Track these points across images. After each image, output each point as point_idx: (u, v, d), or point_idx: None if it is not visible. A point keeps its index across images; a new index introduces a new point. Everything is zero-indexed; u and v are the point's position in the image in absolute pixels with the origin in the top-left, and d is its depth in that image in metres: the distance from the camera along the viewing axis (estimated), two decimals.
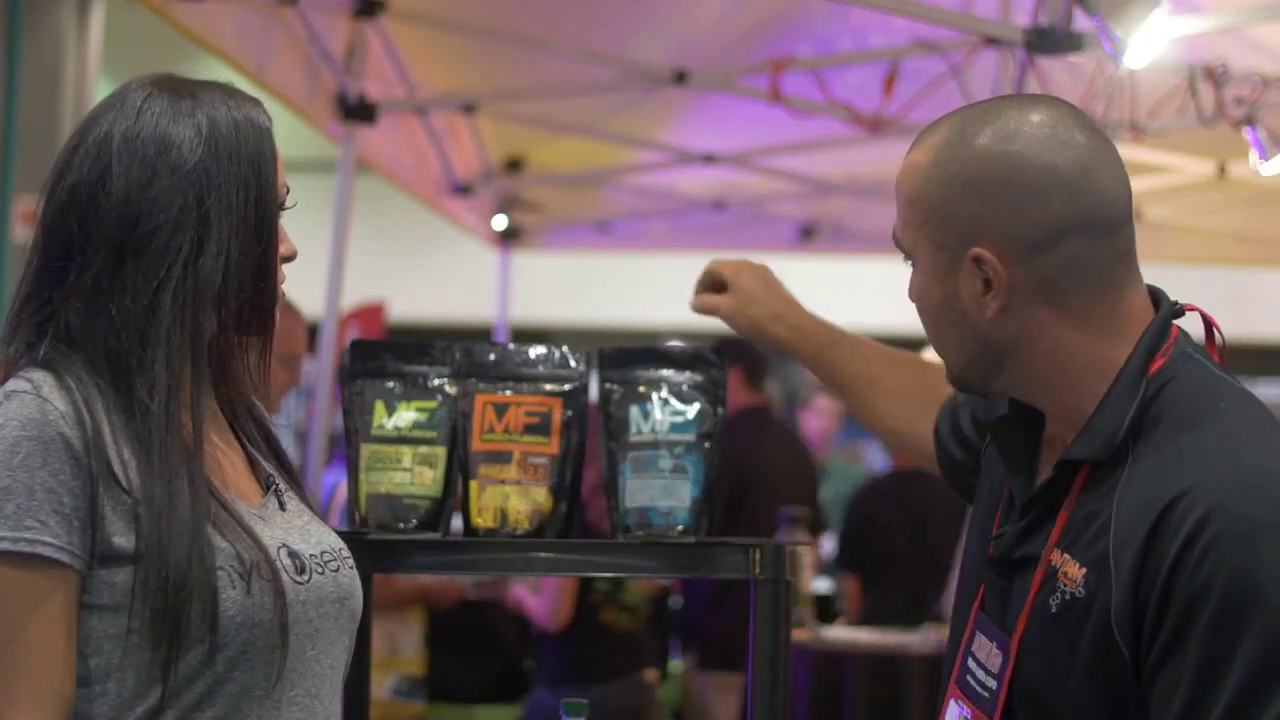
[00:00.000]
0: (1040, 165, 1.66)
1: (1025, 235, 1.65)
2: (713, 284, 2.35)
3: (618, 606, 4.72)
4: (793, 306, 2.32)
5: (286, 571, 1.69)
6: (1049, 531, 1.67)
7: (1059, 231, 1.65)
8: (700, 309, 2.35)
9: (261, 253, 1.72)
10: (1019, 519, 1.72)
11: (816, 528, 6.32)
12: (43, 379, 1.64)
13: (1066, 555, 1.63)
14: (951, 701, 1.75)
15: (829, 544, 7.87)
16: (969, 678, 1.73)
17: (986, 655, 1.70)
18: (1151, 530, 1.56)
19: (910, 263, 1.75)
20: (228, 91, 1.75)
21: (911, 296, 1.75)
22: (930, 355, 2.09)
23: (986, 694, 1.69)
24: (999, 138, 1.67)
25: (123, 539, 1.61)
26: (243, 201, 1.70)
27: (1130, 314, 1.68)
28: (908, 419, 2.20)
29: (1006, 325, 1.68)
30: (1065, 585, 1.62)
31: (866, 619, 6.23)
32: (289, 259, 1.78)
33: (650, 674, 4.87)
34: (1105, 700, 1.59)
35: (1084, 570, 1.60)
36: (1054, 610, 1.62)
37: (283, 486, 1.80)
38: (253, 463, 1.81)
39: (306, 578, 1.71)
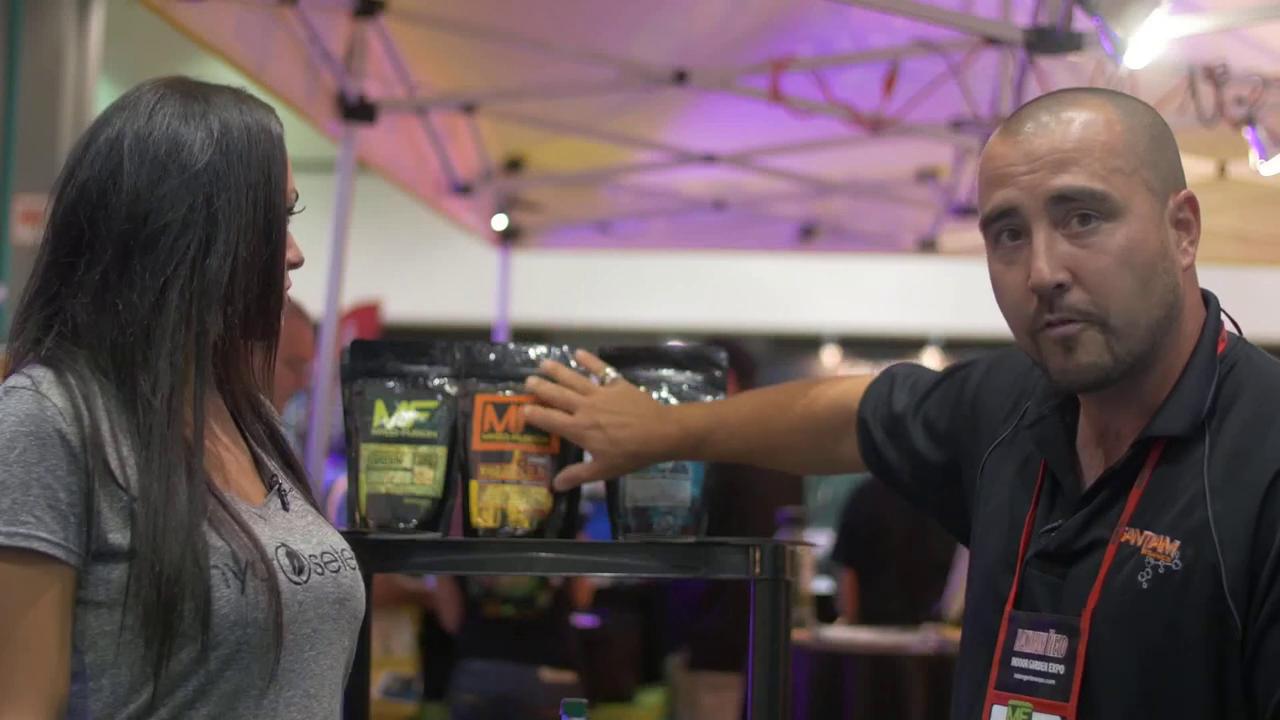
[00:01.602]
0: None
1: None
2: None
3: (497, 600, 5.11)
4: (646, 425, 2.13)
5: (284, 571, 1.69)
6: (1118, 513, 1.69)
7: None
8: (570, 484, 2.16)
9: (269, 256, 1.73)
10: (1077, 509, 1.73)
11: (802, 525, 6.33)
12: (42, 375, 1.64)
13: (1148, 532, 1.65)
14: (995, 707, 1.74)
15: (822, 543, 7.88)
16: (1018, 676, 1.72)
17: (1044, 645, 1.70)
18: (1266, 496, 1.60)
19: (1100, 219, 1.67)
20: (240, 96, 1.76)
21: (1109, 256, 1.67)
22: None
23: (1053, 681, 1.69)
24: (1146, 103, 1.75)
25: (118, 535, 1.61)
26: (251, 204, 1.71)
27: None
28: (816, 460, 2.22)
29: (1185, 281, 1.72)
30: (1156, 560, 1.64)
31: (865, 617, 6.23)
32: (295, 265, 1.79)
33: (551, 673, 5.06)
34: (1209, 669, 1.61)
35: (1176, 543, 1.63)
36: (1144, 586, 1.64)
37: (286, 486, 1.81)
38: (258, 462, 1.81)
39: (305, 578, 1.71)
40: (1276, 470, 1.61)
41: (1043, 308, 1.69)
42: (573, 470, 2.15)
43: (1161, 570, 1.63)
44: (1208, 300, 1.76)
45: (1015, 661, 1.73)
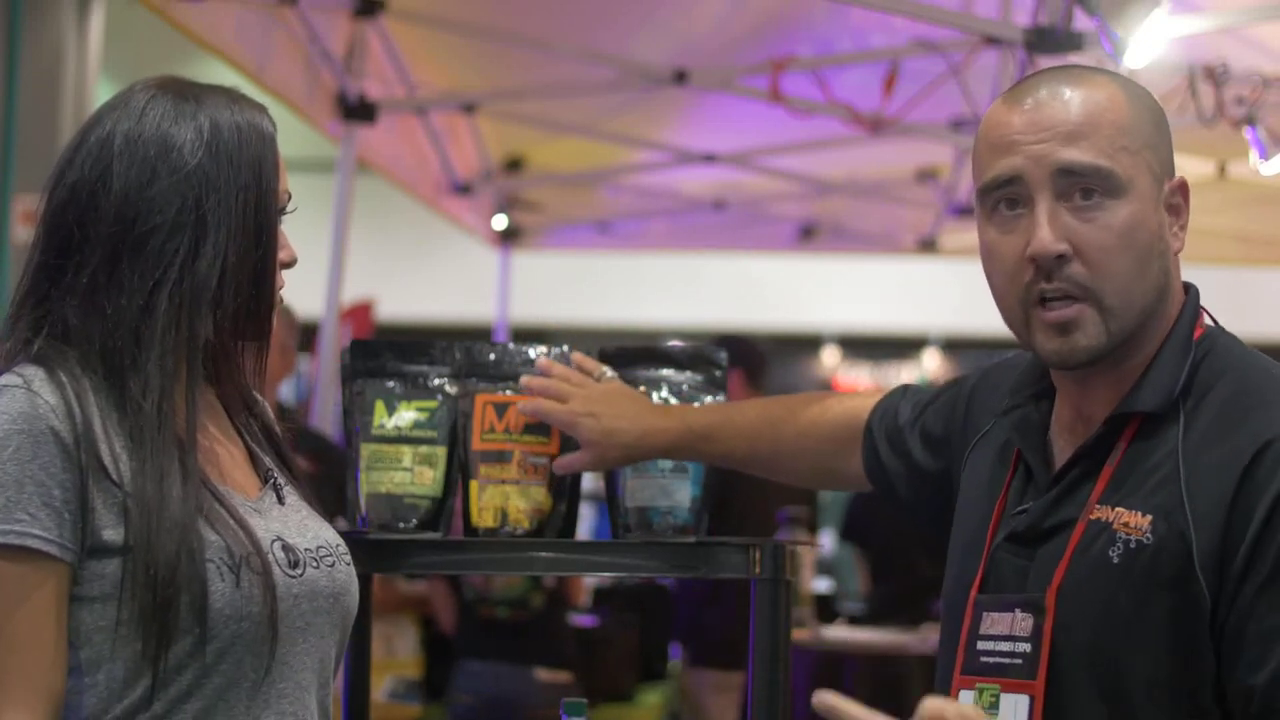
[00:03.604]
0: None
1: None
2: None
3: (490, 603, 5.20)
4: (644, 418, 2.12)
5: (279, 565, 1.69)
6: (1088, 492, 1.68)
7: None
8: (562, 470, 2.15)
9: (260, 258, 1.73)
10: (1048, 489, 1.73)
11: (814, 527, 6.32)
12: (34, 373, 1.64)
13: (1120, 509, 1.65)
14: (962, 692, 1.73)
15: (827, 543, 7.87)
16: (984, 659, 1.71)
17: (1010, 625, 1.69)
18: (1245, 474, 1.59)
19: (1104, 195, 1.67)
20: (232, 96, 1.75)
21: (1111, 233, 1.66)
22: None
23: (1020, 660, 1.68)
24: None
25: (112, 532, 1.62)
26: (241, 206, 1.71)
27: None
28: (821, 472, 2.19)
29: (1172, 266, 1.73)
30: (1127, 535, 1.63)
31: (873, 612, 6.22)
32: (289, 265, 1.78)
33: (547, 673, 5.09)
34: (1176, 642, 1.61)
35: (1148, 518, 1.63)
36: (1115, 561, 1.63)
37: (281, 481, 1.81)
38: (252, 456, 1.81)
39: (300, 571, 1.71)
40: (1255, 451, 1.60)
41: (1039, 278, 1.67)
42: (567, 458, 2.13)
43: (1133, 545, 1.63)
44: (1187, 289, 1.76)
45: (981, 645, 1.72)
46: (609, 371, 2.19)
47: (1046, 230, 1.66)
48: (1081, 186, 1.67)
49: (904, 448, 2.04)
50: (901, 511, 2.10)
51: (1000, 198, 1.70)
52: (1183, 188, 1.73)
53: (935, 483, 1.99)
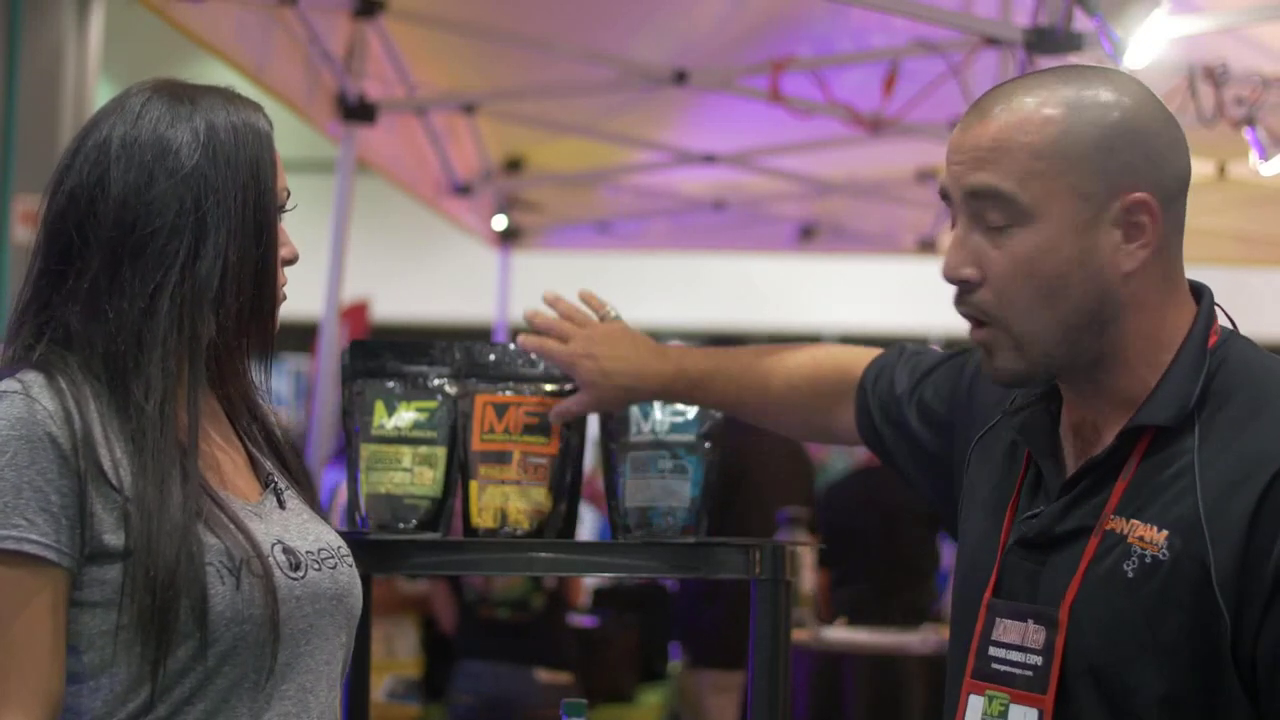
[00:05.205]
0: (1171, 121, 1.69)
1: (1169, 185, 1.66)
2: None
3: (490, 604, 5.26)
4: (641, 359, 2.14)
5: (280, 568, 1.69)
6: (1102, 502, 1.66)
7: (1181, 188, 1.68)
8: (560, 415, 2.16)
9: (260, 256, 1.73)
10: (1060, 495, 1.70)
11: (814, 527, 6.31)
12: (33, 379, 1.64)
13: (1135, 521, 1.62)
14: (971, 696, 1.71)
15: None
16: (995, 665, 1.70)
17: (1022, 635, 1.68)
18: (1264, 494, 1.57)
19: (1011, 222, 1.64)
20: (227, 96, 1.76)
21: (1014, 261, 1.64)
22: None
23: (1030, 672, 1.66)
24: (1132, 91, 1.67)
25: (112, 536, 1.62)
26: (240, 206, 1.71)
27: (1187, 287, 1.72)
28: (811, 424, 2.17)
29: (1132, 283, 1.66)
30: (1143, 549, 1.61)
31: (844, 614, 6.21)
32: (290, 262, 1.78)
33: (547, 674, 5.11)
34: (1193, 661, 1.59)
35: (1164, 533, 1.60)
36: (1130, 575, 1.61)
37: (282, 485, 1.81)
38: (253, 461, 1.81)
39: (302, 574, 1.71)
40: (1277, 469, 1.57)
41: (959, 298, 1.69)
42: (564, 404, 2.14)
43: (1148, 560, 1.61)
44: (1200, 294, 1.73)
45: (992, 651, 1.70)
46: (614, 310, 2.21)
47: (951, 254, 1.67)
48: (990, 210, 1.65)
49: (900, 418, 2.01)
50: (903, 480, 2.07)
51: (947, 210, 1.72)
52: (1145, 205, 1.65)
53: (939, 465, 1.97)
